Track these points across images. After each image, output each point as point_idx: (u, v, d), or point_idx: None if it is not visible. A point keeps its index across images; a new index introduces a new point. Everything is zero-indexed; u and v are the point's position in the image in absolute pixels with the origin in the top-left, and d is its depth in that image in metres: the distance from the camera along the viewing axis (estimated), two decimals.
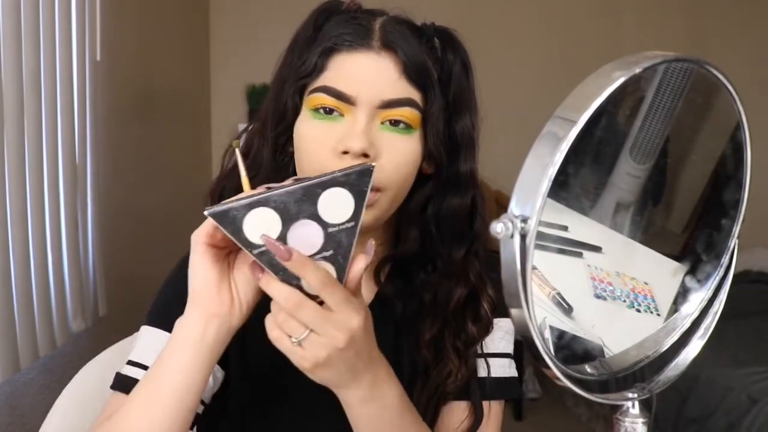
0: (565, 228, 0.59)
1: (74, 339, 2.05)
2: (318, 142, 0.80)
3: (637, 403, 0.64)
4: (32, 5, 1.77)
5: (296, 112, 0.83)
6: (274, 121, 0.85)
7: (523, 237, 0.50)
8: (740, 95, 0.60)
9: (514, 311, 0.52)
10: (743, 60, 3.55)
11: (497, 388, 0.91)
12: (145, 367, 0.81)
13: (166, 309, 0.81)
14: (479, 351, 0.90)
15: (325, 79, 0.80)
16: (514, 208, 0.50)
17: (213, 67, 3.66)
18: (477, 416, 0.89)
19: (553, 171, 0.49)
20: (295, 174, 0.85)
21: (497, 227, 0.50)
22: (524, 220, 0.50)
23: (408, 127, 0.81)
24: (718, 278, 0.67)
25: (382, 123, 0.80)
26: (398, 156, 0.80)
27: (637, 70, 0.52)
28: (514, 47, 3.64)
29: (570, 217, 0.58)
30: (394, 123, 0.80)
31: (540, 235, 0.51)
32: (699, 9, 3.89)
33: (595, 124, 0.51)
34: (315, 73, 0.81)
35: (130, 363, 0.82)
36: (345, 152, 0.78)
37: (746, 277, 3.36)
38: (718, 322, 0.67)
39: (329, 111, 0.80)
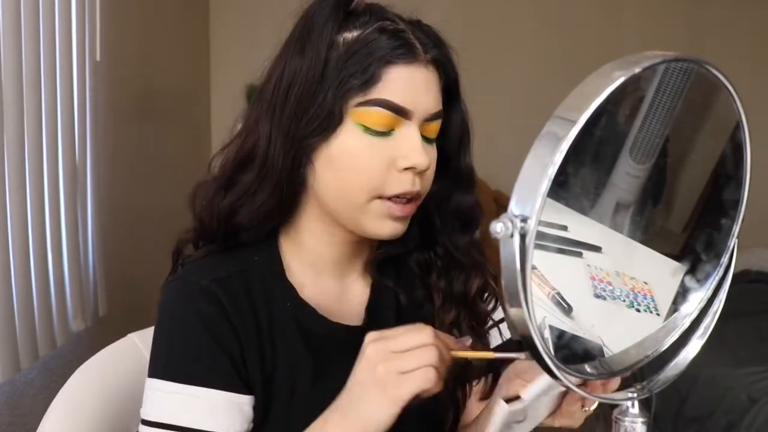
0: (564, 228, 0.59)
1: (74, 339, 2.05)
2: (373, 156, 0.78)
3: (636, 403, 0.64)
4: (32, 5, 1.77)
5: (340, 122, 0.79)
6: (307, 129, 0.79)
7: (523, 237, 0.50)
8: (740, 95, 0.60)
9: (513, 311, 0.52)
10: (743, 60, 3.55)
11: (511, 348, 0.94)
12: (166, 426, 0.77)
13: (181, 362, 0.79)
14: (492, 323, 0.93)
15: (382, 90, 0.78)
16: (514, 207, 0.50)
17: (213, 67, 3.66)
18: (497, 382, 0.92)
19: (552, 171, 0.49)
20: (304, 183, 0.82)
21: (497, 227, 0.50)
22: (524, 220, 0.50)
23: (436, 138, 0.83)
24: (717, 278, 0.67)
25: (422, 135, 0.81)
26: (433, 165, 0.83)
27: (637, 70, 0.52)
28: (514, 47, 3.64)
29: (570, 216, 0.58)
30: (427, 136, 0.82)
31: (540, 235, 0.51)
32: (699, 9, 3.89)
33: (595, 123, 0.51)
34: (369, 83, 0.78)
35: (149, 423, 0.78)
36: (407, 168, 0.79)
37: (746, 276, 3.35)
38: (717, 321, 0.68)
39: (382, 132, 0.78)
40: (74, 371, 0.94)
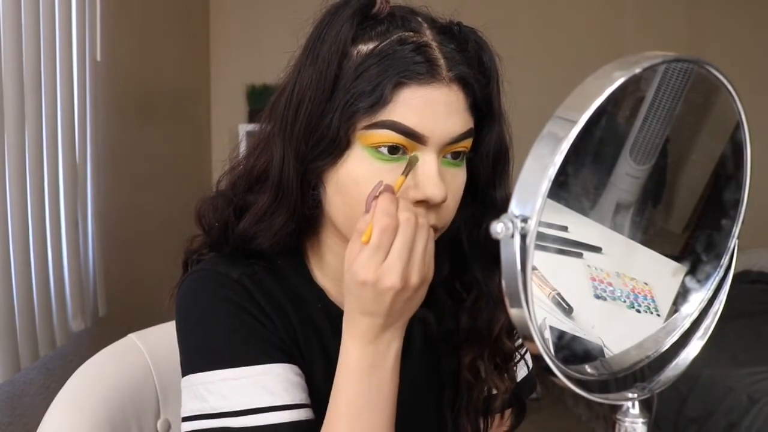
0: (565, 228, 0.59)
1: (74, 339, 2.05)
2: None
3: (637, 403, 0.64)
4: (32, 5, 1.77)
5: (347, 147, 0.72)
6: (315, 151, 0.74)
7: (523, 237, 0.50)
8: (740, 95, 0.60)
9: (514, 311, 0.52)
10: (743, 60, 3.55)
11: (533, 378, 0.94)
12: (249, 412, 0.72)
13: (235, 347, 0.75)
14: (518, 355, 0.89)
15: (391, 113, 0.70)
16: (514, 208, 0.50)
17: (213, 67, 3.66)
18: (522, 414, 0.92)
19: (553, 171, 0.49)
20: (319, 205, 0.78)
21: (497, 227, 0.50)
22: (524, 221, 0.50)
23: (465, 155, 0.76)
24: (718, 278, 0.67)
25: (444, 157, 0.74)
26: (458, 191, 0.76)
27: (637, 71, 0.52)
28: (514, 48, 3.63)
29: (570, 217, 0.58)
30: (455, 155, 0.74)
31: (540, 236, 0.51)
32: (699, 10, 3.89)
33: (595, 124, 0.51)
34: (376, 106, 0.70)
35: (223, 415, 0.73)
36: (420, 201, 0.72)
37: (746, 277, 3.36)
38: (718, 322, 0.67)
39: (394, 150, 0.71)
40: (74, 371, 0.94)
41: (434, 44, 0.73)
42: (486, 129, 0.78)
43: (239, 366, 0.74)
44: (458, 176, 0.76)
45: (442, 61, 0.72)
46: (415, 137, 0.71)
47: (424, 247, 0.70)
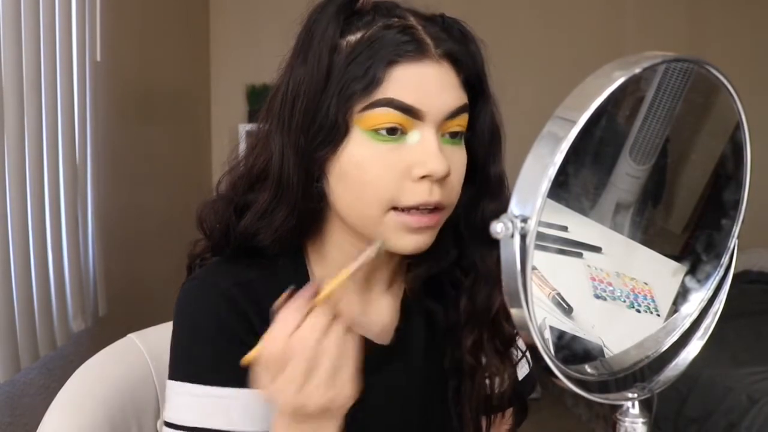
0: (565, 228, 0.59)
1: (74, 339, 2.05)
2: (383, 167, 0.72)
3: (637, 403, 0.64)
4: (32, 5, 1.77)
5: (346, 133, 0.73)
6: (315, 142, 0.74)
7: (523, 237, 0.50)
8: (740, 95, 0.60)
9: (514, 311, 0.52)
10: (743, 60, 3.55)
11: (534, 376, 0.94)
12: (201, 431, 0.74)
13: (207, 364, 0.76)
14: (519, 353, 0.89)
15: (386, 91, 0.72)
16: (514, 208, 0.50)
17: (213, 67, 3.66)
18: (524, 413, 0.92)
19: (553, 171, 0.49)
20: (324, 198, 0.78)
21: (497, 227, 0.50)
22: (524, 220, 0.50)
23: (463, 135, 0.77)
24: (718, 278, 0.67)
25: (443, 135, 0.75)
26: (460, 169, 0.77)
27: (637, 70, 0.52)
28: (514, 47, 3.64)
29: (570, 217, 0.58)
30: (453, 134, 0.75)
31: (540, 236, 0.51)
32: (699, 10, 3.89)
33: (595, 124, 0.51)
34: (371, 87, 0.72)
35: (178, 428, 0.75)
36: (424, 176, 0.72)
37: (746, 277, 3.37)
38: (718, 322, 0.68)
39: (393, 131, 0.72)
40: (74, 371, 0.94)
41: (419, 27, 0.74)
42: (479, 107, 0.80)
43: (208, 384, 0.75)
44: (457, 153, 0.77)
45: (429, 40, 0.74)
46: (413, 113, 0.72)
47: (333, 363, 0.65)
